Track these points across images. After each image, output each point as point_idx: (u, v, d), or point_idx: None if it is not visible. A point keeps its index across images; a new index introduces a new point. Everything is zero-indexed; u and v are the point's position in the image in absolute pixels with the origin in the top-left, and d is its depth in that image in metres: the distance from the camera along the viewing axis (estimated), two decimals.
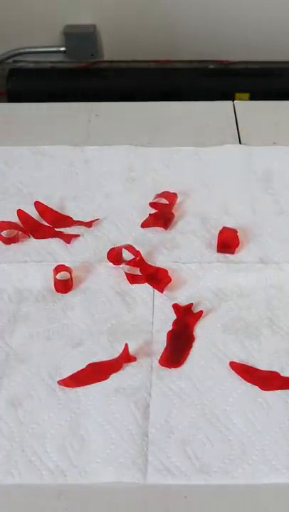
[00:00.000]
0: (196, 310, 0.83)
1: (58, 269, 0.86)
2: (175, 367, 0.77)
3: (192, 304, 0.84)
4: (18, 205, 0.97)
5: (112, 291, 0.86)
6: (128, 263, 0.88)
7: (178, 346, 0.80)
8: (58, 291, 0.86)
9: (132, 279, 0.87)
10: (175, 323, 0.82)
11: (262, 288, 0.86)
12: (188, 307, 0.83)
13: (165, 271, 0.87)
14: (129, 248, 0.87)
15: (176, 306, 0.84)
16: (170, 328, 0.82)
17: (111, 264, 0.89)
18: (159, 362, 0.78)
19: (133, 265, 0.87)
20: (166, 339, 0.80)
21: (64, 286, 0.86)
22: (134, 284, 0.87)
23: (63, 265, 0.87)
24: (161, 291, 0.85)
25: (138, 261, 0.87)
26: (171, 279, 0.86)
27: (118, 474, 0.69)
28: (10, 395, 0.75)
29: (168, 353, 0.79)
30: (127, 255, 0.88)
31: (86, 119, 1.16)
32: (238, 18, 2.25)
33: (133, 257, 0.87)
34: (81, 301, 0.85)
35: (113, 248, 0.89)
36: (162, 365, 0.77)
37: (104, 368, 0.77)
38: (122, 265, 0.88)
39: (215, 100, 1.20)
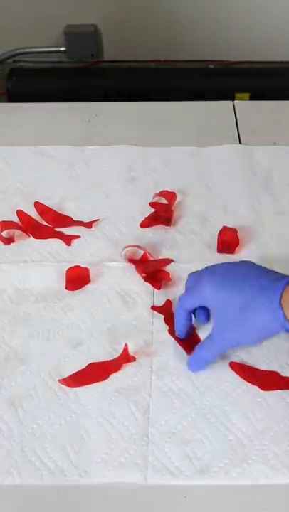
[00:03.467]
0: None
1: (72, 270, 0.87)
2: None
3: (169, 300, 0.84)
4: (18, 205, 0.97)
5: (112, 291, 0.86)
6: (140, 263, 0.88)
7: (187, 339, 0.80)
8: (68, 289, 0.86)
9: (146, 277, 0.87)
10: (167, 322, 0.82)
11: None
12: (167, 305, 0.84)
13: (166, 273, 0.87)
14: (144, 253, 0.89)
15: (154, 308, 0.84)
16: (168, 328, 0.82)
17: (111, 264, 0.89)
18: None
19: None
20: (171, 338, 0.80)
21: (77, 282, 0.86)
22: (134, 284, 0.86)
23: (79, 266, 0.87)
24: (158, 288, 0.85)
25: (145, 261, 0.88)
26: (170, 278, 0.86)
27: (118, 474, 0.69)
28: (10, 395, 0.75)
29: (188, 348, 0.79)
30: (131, 254, 0.89)
31: (86, 119, 1.16)
32: (238, 18, 2.25)
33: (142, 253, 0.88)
34: (81, 301, 0.85)
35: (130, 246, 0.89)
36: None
37: (104, 368, 0.77)
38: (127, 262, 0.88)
39: (215, 100, 1.20)
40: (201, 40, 2.29)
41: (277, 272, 0.75)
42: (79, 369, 0.77)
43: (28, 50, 2.35)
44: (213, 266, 0.77)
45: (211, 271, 0.76)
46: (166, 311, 0.83)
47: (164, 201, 0.97)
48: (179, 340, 0.80)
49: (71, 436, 0.71)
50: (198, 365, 0.76)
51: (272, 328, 0.71)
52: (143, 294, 0.86)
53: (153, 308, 0.84)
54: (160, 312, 0.83)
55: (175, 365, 0.78)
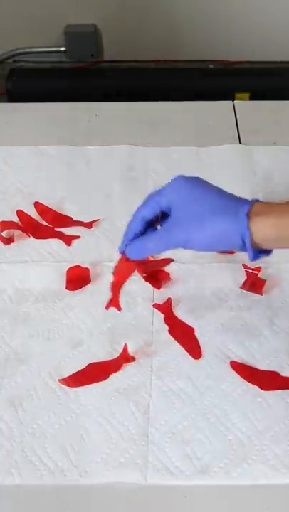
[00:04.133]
0: (196, 311, 0.83)
1: (73, 270, 0.87)
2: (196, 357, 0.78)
3: (170, 298, 0.84)
4: (18, 205, 0.97)
5: None
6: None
7: (186, 340, 0.80)
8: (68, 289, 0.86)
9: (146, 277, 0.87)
10: (166, 321, 0.82)
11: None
12: (168, 303, 0.84)
13: (166, 273, 0.87)
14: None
15: (157, 306, 0.84)
16: (168, 328, 0.82)
17: (111, 264, 0.88)
18: (194, 357, 0.78)
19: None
20: (171, 338, 0.80)
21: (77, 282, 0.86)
22: (134, 284, 0.86)
23: (79, 266, 0.87)
24: (159, 288, 0.85)
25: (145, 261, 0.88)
26: (170, 278, 0.86)
27: (118, 474, 0.69)
28: (10, 395, 0.75)
29: (188, 348, 0.79)
30: None
31: (86, 119, 1.16)
32: (238, 19, 2.25)
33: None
34: (81, 301, 0.85)
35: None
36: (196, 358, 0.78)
37: (104, 368, 0.77)
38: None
39: (215, 100, 1.20)
40: (200, 40, 2.29)
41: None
42: (79, 369, 0.77)
43: (28, 50, 2.35)
44: None
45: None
46: (167, 309, 0.83)
47: None
48: (178, 338, 0.80)
49: (71, 436, 0.71)
50: (137, 254, 0.74)
51: (229, 238, 0.67)
52: (143, 293, 0.86)
53: (155, 305, 0.84)
54: (161, 310, 0.83)
55: (175, 365, 0.78)
